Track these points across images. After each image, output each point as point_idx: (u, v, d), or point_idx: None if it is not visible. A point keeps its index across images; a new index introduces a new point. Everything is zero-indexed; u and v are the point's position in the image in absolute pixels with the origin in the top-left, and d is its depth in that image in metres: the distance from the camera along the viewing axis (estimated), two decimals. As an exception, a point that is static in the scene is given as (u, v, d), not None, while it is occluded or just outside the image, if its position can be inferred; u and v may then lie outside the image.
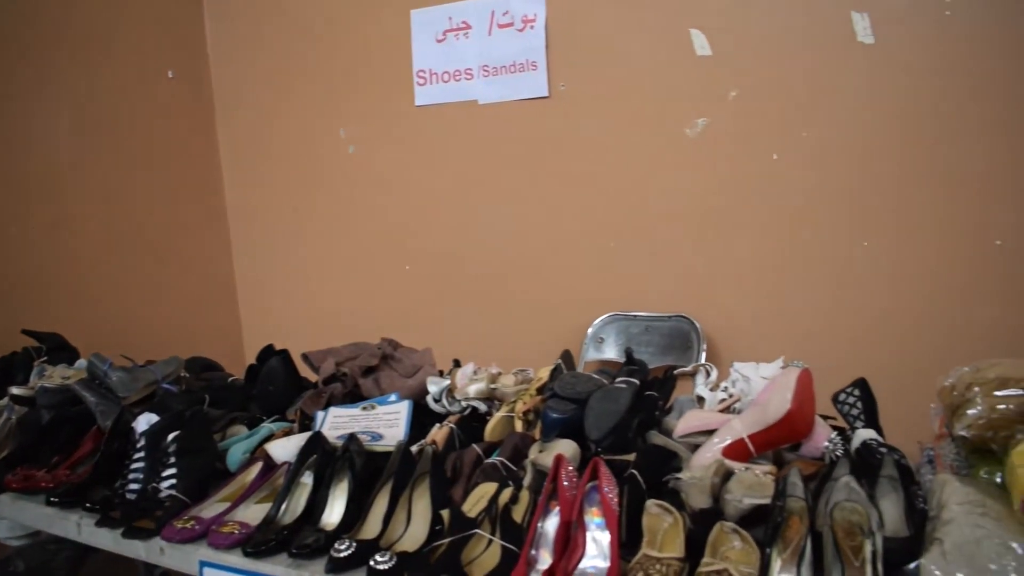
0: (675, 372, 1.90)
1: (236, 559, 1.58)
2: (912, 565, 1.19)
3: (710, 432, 1.61)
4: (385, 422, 1.93)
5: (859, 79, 2.84)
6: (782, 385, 1.56)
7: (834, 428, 1.70)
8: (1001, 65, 2.64)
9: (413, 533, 1.57)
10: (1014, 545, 1.16)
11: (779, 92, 2.96)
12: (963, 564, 1.15)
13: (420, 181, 3.69)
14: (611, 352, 3.22)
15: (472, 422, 1.97)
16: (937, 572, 1.16)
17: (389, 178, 3.77)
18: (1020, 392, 1.37)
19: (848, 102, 2.87)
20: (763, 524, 1.31)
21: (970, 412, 1.40)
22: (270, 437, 1.99)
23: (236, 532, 1.63)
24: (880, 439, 1.63)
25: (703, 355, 3.02)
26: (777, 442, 1.56)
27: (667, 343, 3.13)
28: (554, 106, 3.36)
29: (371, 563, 1.43)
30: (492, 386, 1.96)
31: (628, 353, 1.99)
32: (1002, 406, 1.37)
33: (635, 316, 3.23)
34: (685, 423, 1.69)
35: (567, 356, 2.03)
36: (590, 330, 3.28)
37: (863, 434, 1.64)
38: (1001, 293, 2.73)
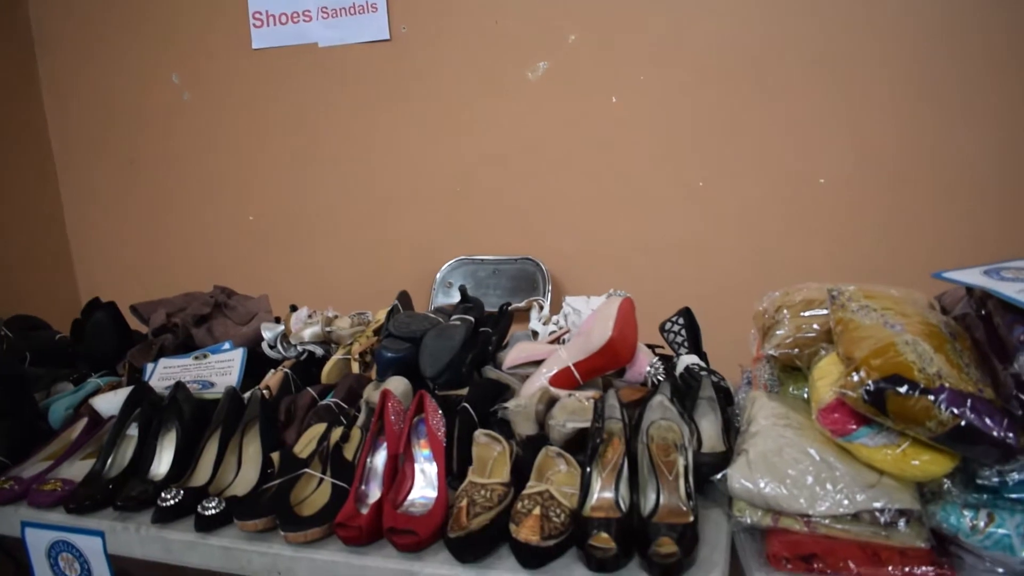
0: (508, 308, 1.92)
1: (59, 517, 1.51)
2: (719, 475, 1.25)
3: (539, 363, 1.65)
4: (218, 370, 1.88)
5: (695, 24, 2.91)
6: (604, 314, 1.60)
7: (661, 356, 1.77)
8: (821, 12, 2.77)
9: (244, 478, 1.54)
10: (811, 451, 1.24)
11: (618, 36, 3.01)
12: (765, 471, 1.22)
13: (260, 128, 3.57)
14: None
15: (311, 367, 1.95)
16: (741, 480, 1.22)
17: (227, 126, 3.63)
18: (823, 312, 1.45)
19: (686, 48, 2.94)
20: (589, 447, 1.35)
21: (778, 333, 1.48)
22: (96, 392, 1.90)
23: (59, 490, 1.56)
24: (702, 364, 1.70)
25: (549, 295, 3.07)
26: (601, 369, 1.60)
27: (514, 285, 3.17)
28: (396, 49, 3.30)
29: (198, 509, 1.40)
30: (328, 329, 1.93)
31: (463, 291, 2.00)
32: (807, 326, 1.45)
33: (482, 260, 3.25)
34: (513, 355, 1.72)
35: (404, 297, 2.02)
36: (438, 275, 3.28)
37: (686, 359, 1.70)
38: (823, 227, 2.89)
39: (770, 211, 2.95)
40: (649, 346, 1.78)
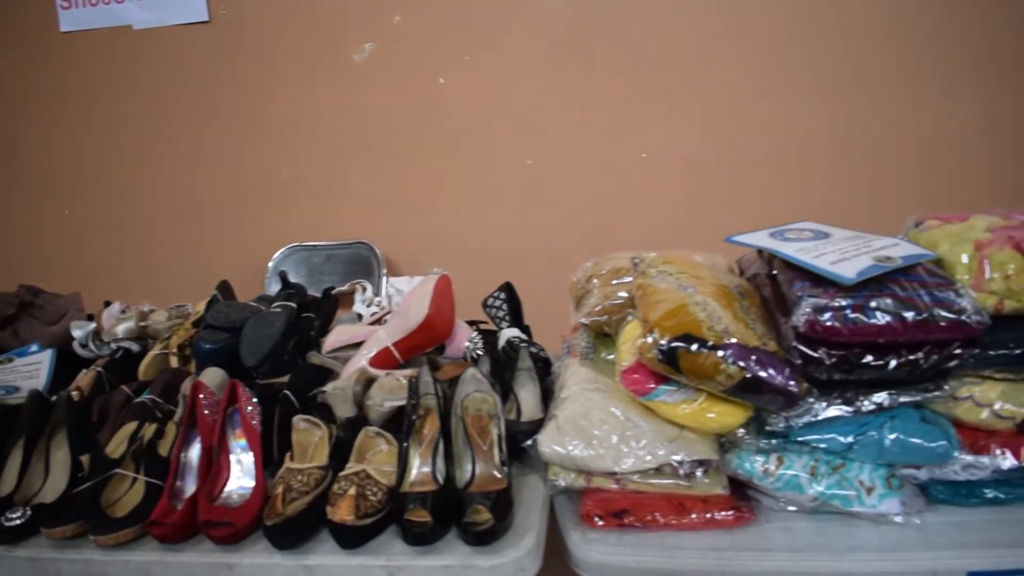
0: (331, 292, 1.91)
1: None
2: (529, 442, 1.29)
3: (359, 345, 1.65)
4: (24, 374, 1.78)
5: (521, 4, 2.95)
6: (421, 293, 1.61)
7: (485, 331, 1.80)
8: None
9: (53, 484, 1.46)
10: (616, 411, 1.29)
11: (443, 17, 3.01)
12: (574, 434, 1.27)
13: (74, 117, 3.38)
14: (294, 284, 3.18)
15: (129, 364, 1.87)
16: (551, 444, 1.26)
17: (39, 114, 3.42)
18: (629, 280, 1.51)
19: (512, 28, 2.98)
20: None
21: (590, 302, 1.53)
22: None
23: None
24: (523, 336, 1.74)
25: (384, 278, 3.06)
26: (421, 346, 1.62)
27: (349, 270, 3.14)
28: (215, 31, 3.20)
29: (0, 522, 1.33)
30: (143, 324, 1.86)
31: (283, 277, 1.98)
32: (614, 294, 1.50)
33: (315, 246, 3.20)
34: (332, 339, 1.71)
35: (224, 287, 1.97)
36: (271, 263, 3.21)
37: (507, 333, 1.74)
38: (644, 196, 2.99)
39: (595, 186, 3.03)
40: (474, 322, 1.80)
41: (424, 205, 3.15)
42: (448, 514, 1.23)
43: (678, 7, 2.88)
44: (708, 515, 1.27)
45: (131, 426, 1.48)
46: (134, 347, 1.87)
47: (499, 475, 1.28)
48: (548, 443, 1.26)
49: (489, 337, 1.76)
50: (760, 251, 1.47)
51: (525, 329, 1.81)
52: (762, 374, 1.19)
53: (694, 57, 2.91)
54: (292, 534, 1.22)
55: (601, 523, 1.27)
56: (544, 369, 1.61)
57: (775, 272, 1.36)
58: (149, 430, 1.45)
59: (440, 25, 3.04)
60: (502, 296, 1.82)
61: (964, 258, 1.27)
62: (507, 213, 3.10)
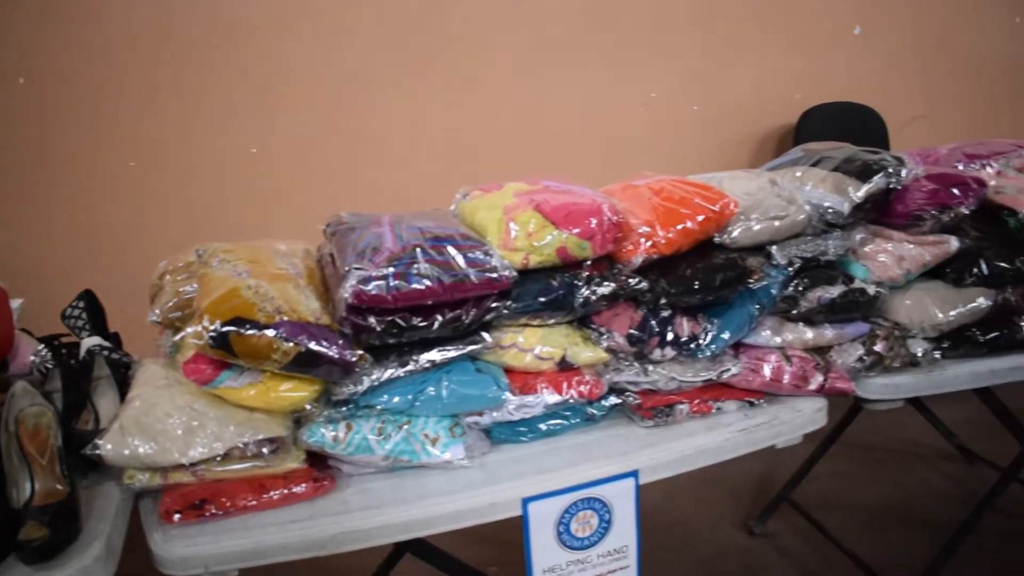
0: None
1: None
2: (88, 448, 1.25)
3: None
4: None
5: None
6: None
7: (65, 344, 1.70)
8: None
9: None
10: (181, 404, 1.29)
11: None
12: (137, 433, 1.24)
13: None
14: None
15: None
16: (111, 446, 1.23)
17: None
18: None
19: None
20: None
21: (163, 298, 1.51)
22: None
23: None
24: (104, 344, 1.67)
25: None
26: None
27: None
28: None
29: None
30: None
31: None
32: (187, 287, 1.49)
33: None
34: None
35: None
36: None
37: (89, 342, 1.66)
38: (260, 191, 2.96)
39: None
40: (53, 337, 1.70)
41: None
42: (3, 536, 1.16)
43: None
44: (287, 490, 1.31)
45: None
46: None
47: (60, 487, 1.23)
48: (110, 445, 1.23)
49: (72, 348, 1.67)
50: (326, 233, 1.53)
51: (112, 336, 1.74)
52: (315, 347, 1.25)
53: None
54: None
55: (179, 517, 1.26)
56: (120, 374, 1.56)
57: (332, 252, 1.42)
58: None
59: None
60: (81, 305, 1.73)
61: (494, 221, 1.42)
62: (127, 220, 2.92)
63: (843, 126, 3.37)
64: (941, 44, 3.70)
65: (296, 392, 1.30)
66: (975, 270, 1.68)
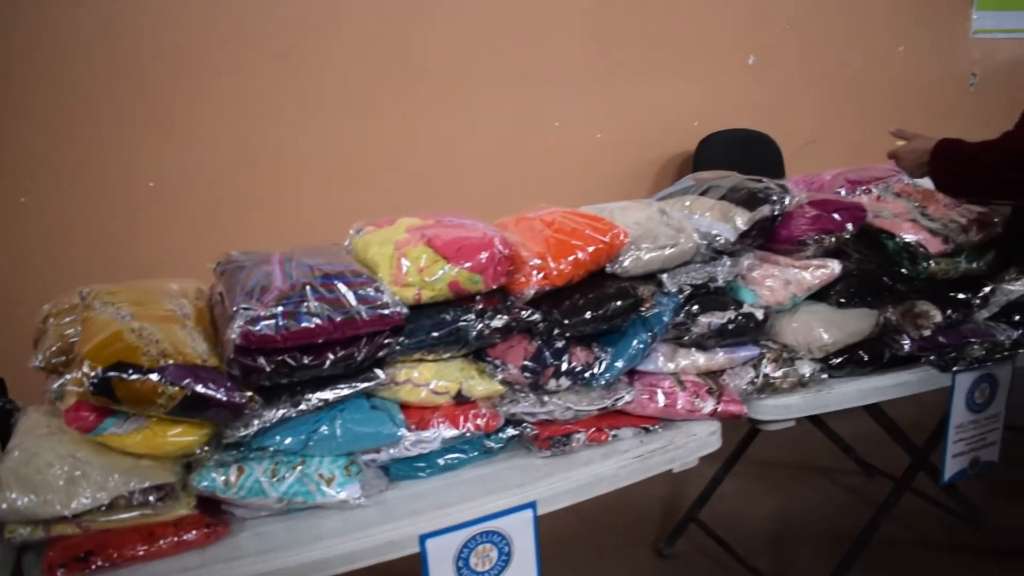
0: None
1: None
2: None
3: None
4: None
5: None
6: None
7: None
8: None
9: None
10: (64, 453, 1.25)
11: None
12: (15, 485, 1.20)
13: None
14: None
15: None
16: (-13, 501, 1.19)
17: None
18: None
19: None
20: None
21: (46, 342, 1.46)
22: None
23: None
24: (-14, 392, 1.61)
25: None
26: None
27: None
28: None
29: None
30: None
31: None
32: (70, 331, 1.45)
33: None
34: None
35: None
36: None
37: (-30, 391, 1.60)
38: (158, 226, 2.89)
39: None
40: None
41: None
42: None
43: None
44: (178, 538, 1.27)
45: None
46: None
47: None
48: (-17, 500, 1.18)
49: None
50: (216, 271, 1.51)
51: (-2, 383, 1.68)
52: (202, 390, 1.22)
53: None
54: None
55: (64, 572, 1.22)
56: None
57: (222, 291, 1.40)
58: None
59: None
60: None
61: (386, 257, 1.42)
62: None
63: (740, 152, 3.48)
64: (831, 72, 3.85)
65: (185, 437, 1.27)
66: (858, 292, 1.75)
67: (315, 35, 2.94)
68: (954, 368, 1.81)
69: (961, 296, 1.83)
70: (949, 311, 1.79)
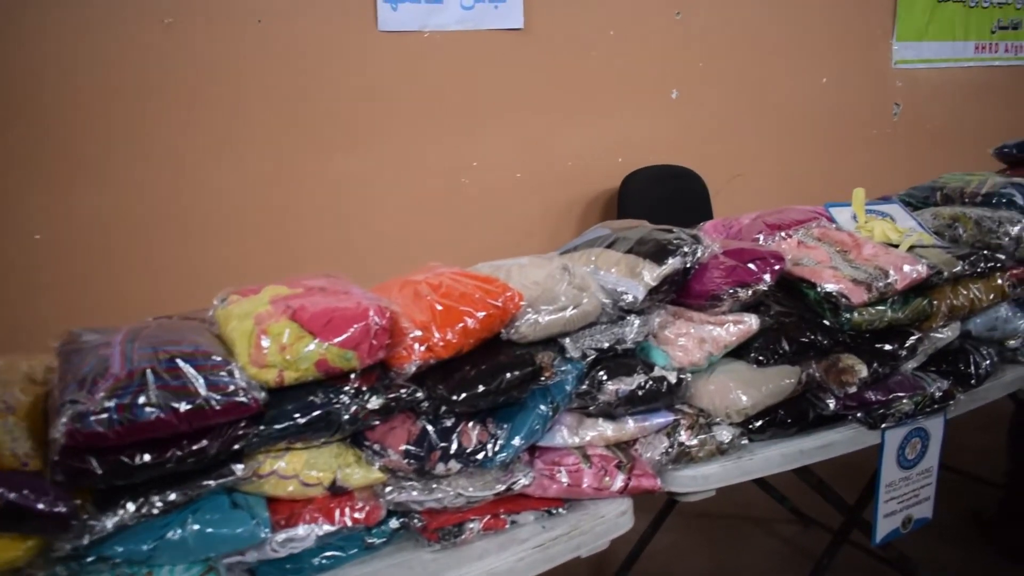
0: None
1: None
2: None
3: None
4: None
5: None
6: None
7: None
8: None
9: None
10: None
11: None
12: None
13: None
14: None
15: None
16: None
17: None
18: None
19: None
20: None
21: None
22: None
23: None
24: None
25: None
26: None
27: None
28: None
29: None
30: None
31: None
32: None
33: None
34: None
35: None
36: None
37: None
38: (46, 284, 2.69)
39: None
40: None
41: None
42: None
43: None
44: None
45: None
46: None
47: None
48: None
49: None
50: (57, 353, 1.33)
51: None
52: (20, 500, 1.05)
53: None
54: None
55: None
56: None
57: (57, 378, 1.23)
58: None
59: None
60: None
61: (244, 334, 1.25)
62: None
63: (666, 188, 3.38)
64: (755, 105, 3.80)
65: (6, 552, 1.09)
66: (778, 348, 1.63)
67: (217, 81, 2.78)
68: (883, 425, 1.70)
69: (887, 347, 1.71)
70: (875, 364, 1.68)
